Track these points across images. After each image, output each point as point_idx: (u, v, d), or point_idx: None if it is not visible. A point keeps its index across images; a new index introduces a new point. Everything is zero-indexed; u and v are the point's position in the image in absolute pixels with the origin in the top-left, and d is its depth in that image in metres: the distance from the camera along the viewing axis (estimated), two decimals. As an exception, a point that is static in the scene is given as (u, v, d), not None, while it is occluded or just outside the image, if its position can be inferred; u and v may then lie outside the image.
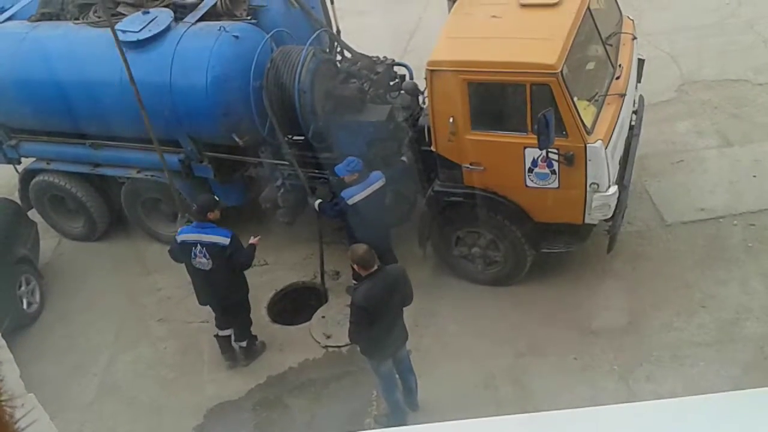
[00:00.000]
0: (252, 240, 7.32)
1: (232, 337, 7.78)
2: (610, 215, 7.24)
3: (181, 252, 7.25)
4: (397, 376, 6.80)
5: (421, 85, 7.65)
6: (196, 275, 7.34)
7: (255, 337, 7.94)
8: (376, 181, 7.50)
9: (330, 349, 7.89)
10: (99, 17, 8.46)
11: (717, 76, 10.41)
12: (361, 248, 6.18)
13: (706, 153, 9.25)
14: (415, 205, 8.54)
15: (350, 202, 7.40)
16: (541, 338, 7.50)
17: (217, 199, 7.63)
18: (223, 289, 7.35)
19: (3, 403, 2.58)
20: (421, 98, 8.11)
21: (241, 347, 7.83)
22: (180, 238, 7.22)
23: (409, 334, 6.73)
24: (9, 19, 9.11)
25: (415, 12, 12.79)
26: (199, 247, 7.06)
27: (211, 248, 7.05)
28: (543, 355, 7.37)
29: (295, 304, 8.70)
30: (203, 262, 7.12)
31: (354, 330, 6.35)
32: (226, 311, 7.64)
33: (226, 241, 7.04)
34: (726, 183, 8.75)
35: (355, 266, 6.27)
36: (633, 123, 8.08)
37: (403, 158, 7.91)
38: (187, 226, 7.44)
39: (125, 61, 6.74)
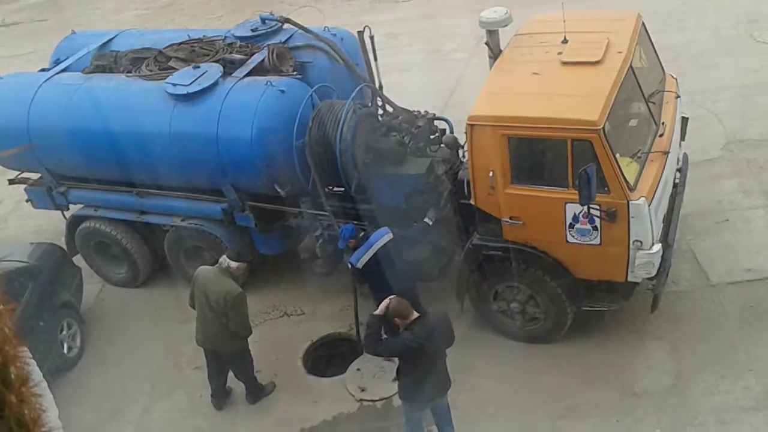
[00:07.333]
0: None
1: None
2: (654, 274, 7.11)
3: None
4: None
5: (462, 139, 7.70)
6: None
7: None
8: (380, 238, 7.54)
9: (364, 403, 7.79)
10: (151, 71, 8.76)
11: (762, 135, 10.29)
12: (395, 300, 6.24)
13: (752, 213, 9.08)
14: (451, 260, 8.48)
15: (359, 265, 7.48)
16: (582, 399, 7.32)
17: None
18: None
19: None
20: (461, 152, 8.16)
21: None
22: None
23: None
24: (64, 70, 9.49)
25: (456, 69, 12.96)
26: None
27: None
28: (584, 416, 7.17)
29: (331, 356, 8.66)
30: None
31: (367, 342, 6.39)
32: None
33: None
34: (773, 244, 8.57)
35: (395, 319, 6.26)
36: (677, 181, 8.00)
37: (427, 220, 7.92)
38: None
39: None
